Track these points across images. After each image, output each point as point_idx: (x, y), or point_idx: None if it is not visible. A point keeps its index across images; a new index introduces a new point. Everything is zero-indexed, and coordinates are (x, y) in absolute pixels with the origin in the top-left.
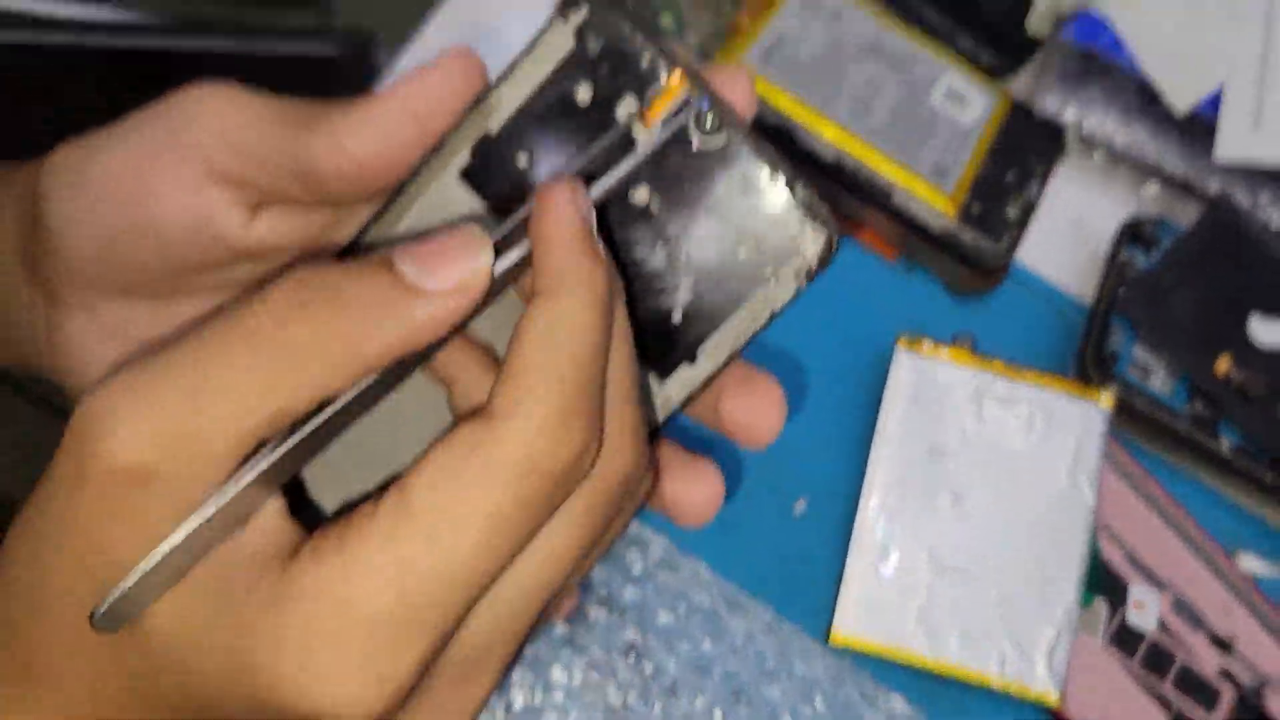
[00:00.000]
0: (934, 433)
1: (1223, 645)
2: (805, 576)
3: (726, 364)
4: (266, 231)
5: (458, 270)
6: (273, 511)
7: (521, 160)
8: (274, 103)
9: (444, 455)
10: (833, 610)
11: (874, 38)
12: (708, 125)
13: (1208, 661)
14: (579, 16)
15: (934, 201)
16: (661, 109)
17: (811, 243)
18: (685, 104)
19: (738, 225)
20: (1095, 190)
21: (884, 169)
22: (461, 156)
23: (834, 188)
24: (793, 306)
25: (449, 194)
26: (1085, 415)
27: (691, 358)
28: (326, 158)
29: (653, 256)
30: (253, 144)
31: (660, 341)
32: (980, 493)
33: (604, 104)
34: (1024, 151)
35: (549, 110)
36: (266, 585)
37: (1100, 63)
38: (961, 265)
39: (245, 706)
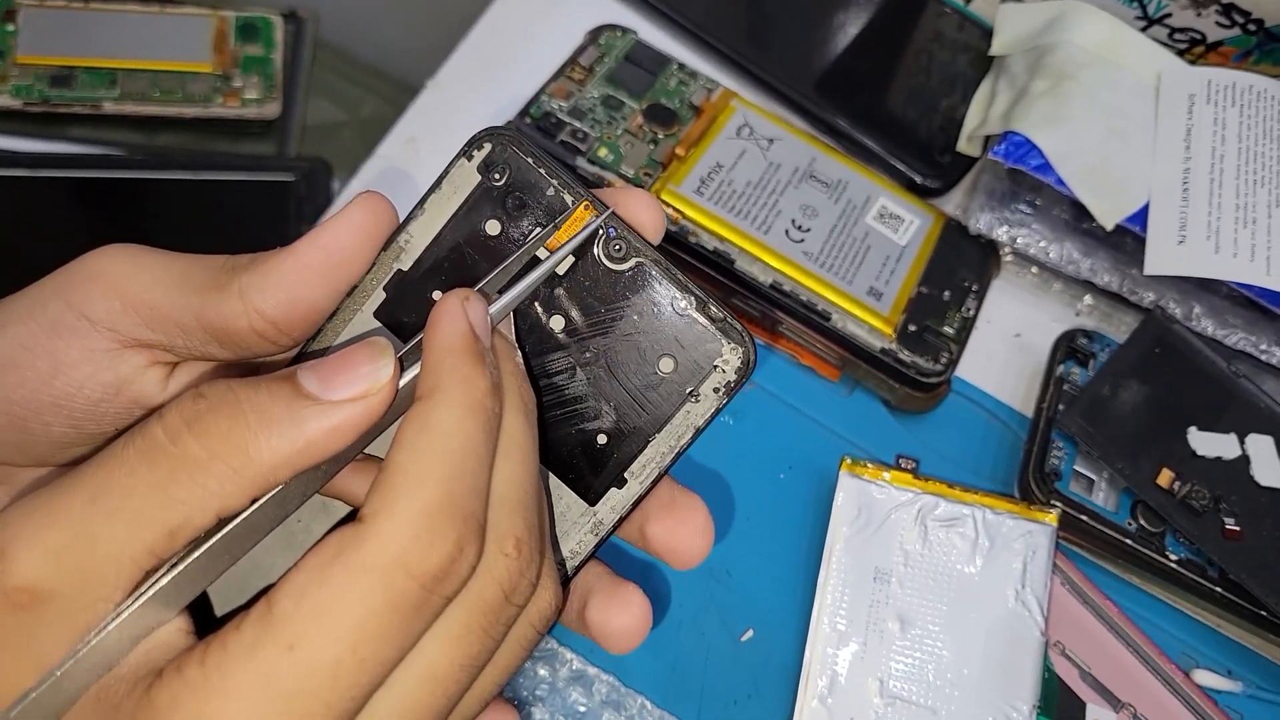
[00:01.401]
0: (879, 556)
1: None
2: (754, 711)
3: (654, 485)
4: (181, 385)
5: (359, 382)
6: (171, 630)
7: (435, 294)
8: (178, 263)
9: (312, 560)
10: None
11: (808, 163)
12: (615, 251)
13: None
14: (483, 153)
15: (871, 322)
16: (567, 237)
17: (729, 358)
18: (593, 232)
19: (655, 347)
20: (1033, 304)
21: (821, 292)
22: (376, 296)
23: (773, 311)
24: (715, 421)
25: (364, 334)
26: (1030, 535)
27: (620, 481)
28: (238, 318)
29: (574, 383)
30: (160, 307)
31: (588, 467)
32: (927, 616)
33: (513, 235)
34: (960, 269)
35: (459, 244)
36: (131, 705)
37: (1029, 181)
38: (901, 384)
39: None
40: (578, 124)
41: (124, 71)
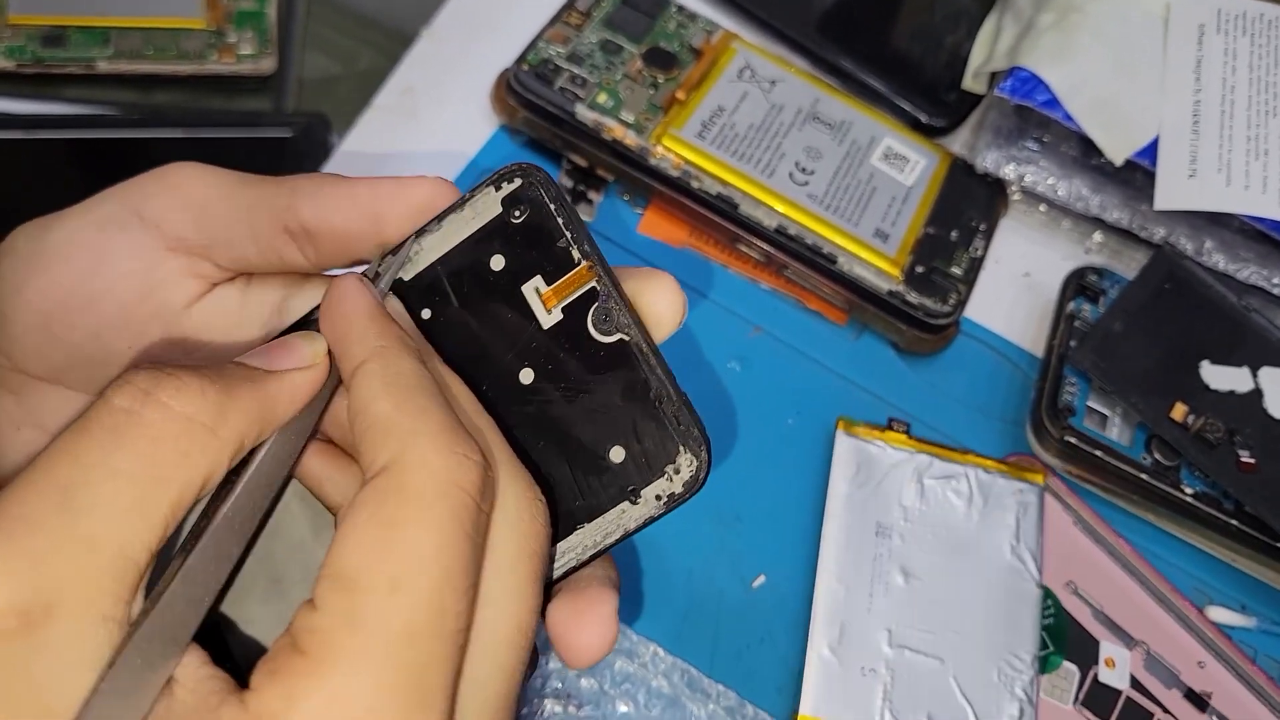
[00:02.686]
0: (880, 511)
1: (1199, 701)
2: (767, 656)
3: (564, 577)
4: (208, 316)
5: (301, 357)
6: (195, 664)
7: (424, 312)
8: (248, 175)
9: (361, 516)
10: (797, 690)
11: (811, 104)
12: (601, 320)
13: (1184, 719)
14: (511, 187)
15: (878, 264)
16: (565, 294)
17: (681, 469)
18: (589, 295)
19: (612, 432)
20: (1041, 243)
21: (827, 234)
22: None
23: (778, 255)
24: (647, 528)
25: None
26: (1021, 493)
27: None
28: (280, 211)
29: (526, 440)
30: (213, 203)
31: None
32: (930, 569)
33: (513, 276)
34: (967, 209)
35: (461, 270)
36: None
37: (1036, 117)
38: (909, 326)
39: None
40: (576, 70)
41: (117, 30)
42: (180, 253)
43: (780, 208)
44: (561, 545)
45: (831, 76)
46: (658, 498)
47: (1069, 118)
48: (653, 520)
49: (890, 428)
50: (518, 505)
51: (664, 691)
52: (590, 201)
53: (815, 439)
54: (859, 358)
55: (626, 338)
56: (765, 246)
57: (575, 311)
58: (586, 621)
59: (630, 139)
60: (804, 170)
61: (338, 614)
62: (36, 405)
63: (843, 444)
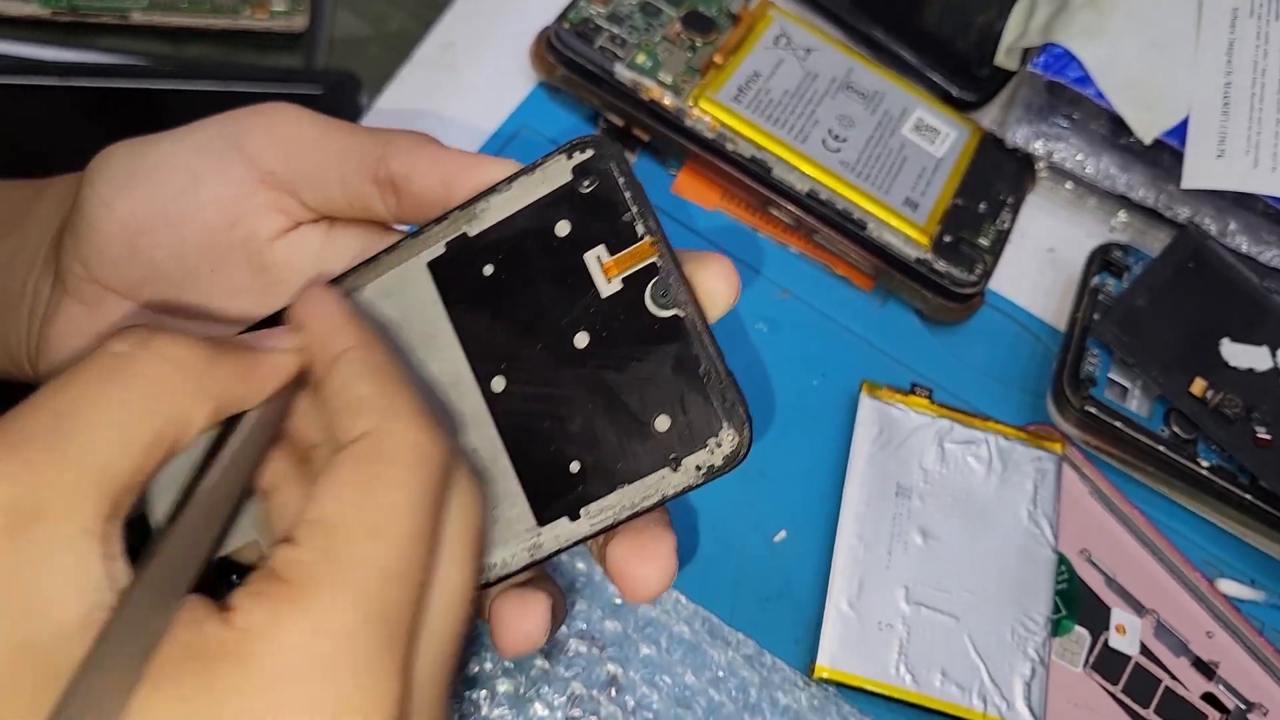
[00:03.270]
0: (900, 472)
1: (1206, 670)
2: (786, 608)
3: (603, 532)
4: (290, 253)
5: (284, 339)
6: (195, 603)
7: (486, 268)
8: (343, 121)
9: (343, 473)
10: (814, 642)
11: (845, 74)
12: (660, 295)
13: (1191, 686)
14: (582, 156)
15: (907, 232)
16: (626, 266)
17: (723, 443)
18: (649, 269)
19: (659, 401)
20: (1066, 219)
21: (858, 201)
22: (436, 249)
23: (809, 219)
24: (685, 495)
25: (412, 276)
26: (1039, 461)
27: (574, 514)
28: (371, 160)
29: (572, 402)
30: (309, 142)
31: (551, 486)
32: (948, 530)
33: (577, 243)
34: (995, 182)
35: (526, 231)
36: (205, 640)
37: (1068, 94)
38: (935, 294)
39: None
40: (615, 30)
41: None
42: (270, 187)
43: (812, 173)
44: (601, 502)
45: (865, 47)
46: (698, 468)
47: (1100, 95)
48: (691, 489)
49: (913, 392)
50: (466, 489)
51: (685, 637)
52: None
53: (839, 400)
54: (884, 324)
55: (682, 314)
56: (796, 210)
57: (634, 284)
58: (646, 556)
59: (668, 100)
60: (836, 137)
61: (321, 550)
62: (107, 318)
63: (866, 406)
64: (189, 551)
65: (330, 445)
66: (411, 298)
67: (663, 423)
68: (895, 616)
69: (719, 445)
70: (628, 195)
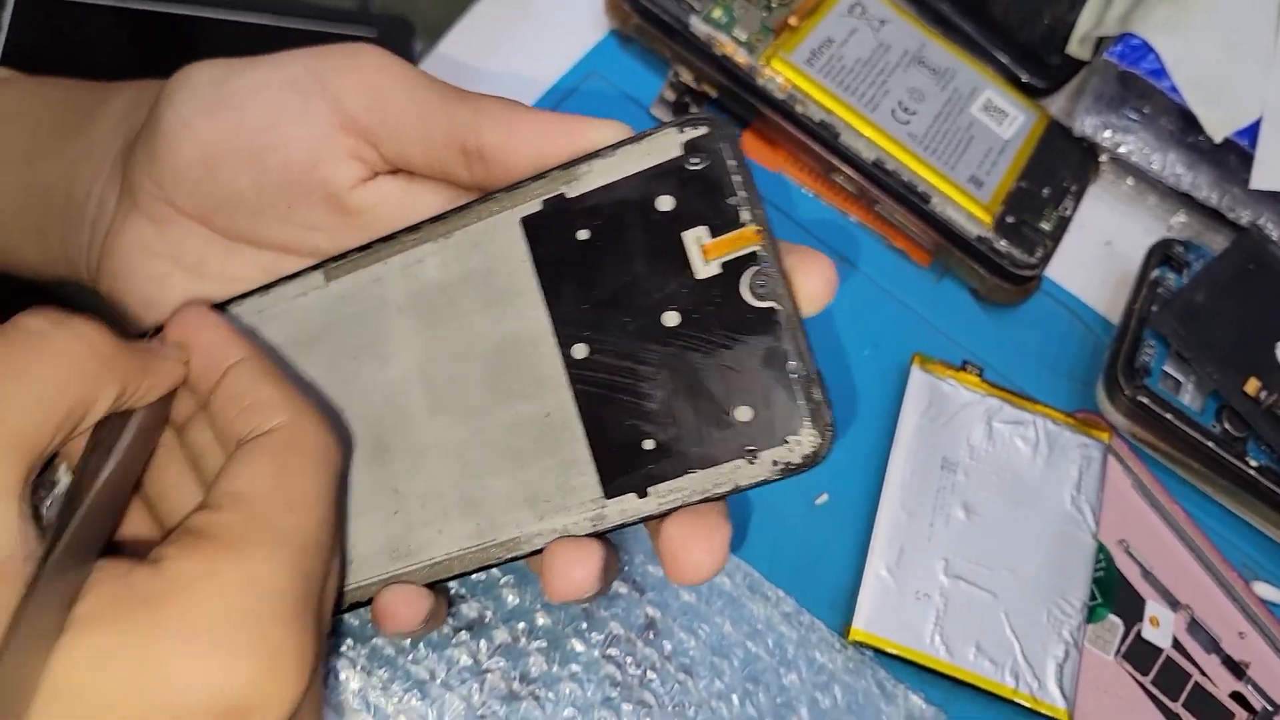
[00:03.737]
0: (947, 447)
1: (1236, 669)
2: (825, 570)
3: (668, 514)
4: (372, 200)
5: (174, 350)
6: (111, 561)
7: (581, 232)
8: (428, 75)
9: (256, 455)
10: (851, 606)
11: (918, 48)
12: (759, 285)
13: (1220, 684)
14: (695, 133)
15: (971, 209)
16: (726, 250)
17: (803, 443)
18: (750, 257)
19: (743, 391)
20: (1124, 214)
21: (923, 174)
22: (532, 205)
23: (872, 189)
24: (756, 489)
25: (503, 231)
26: (1086, 448)
27: (642, 492)
28: (461, 128)
29: (655, 380)
30: (396, 94)
31: (623, 460)
32: (991, 507)
33: (677, 220)
34: (1060, 169)
35: (626, 200)
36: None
37: (1140, 87)
38: (993, 274)
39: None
40: None
41: None
42: (351, 134)
43: (880, 142)
44: (671, 484)
45: (939, 26)
46: (774, 463)
47: (1174, 89)
48: (764, 483)
49: (964, 369)
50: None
51: (725, 589)
52: None
53: (888, 372)
54: (938, 300)
55: (778, 307)
56: (860, 179)
57: (732, 269)
58: (702, 542)
59: (741, 57)
60: (906, 110)
61: (244, 515)
62: (176, 240)
63: (917, 378)
64: (97, 523)
65: (225, 441)
66: (500, 251)
67: (744, 413)
68: (933, 587)
69: (799, 443)
70: (737, 179)
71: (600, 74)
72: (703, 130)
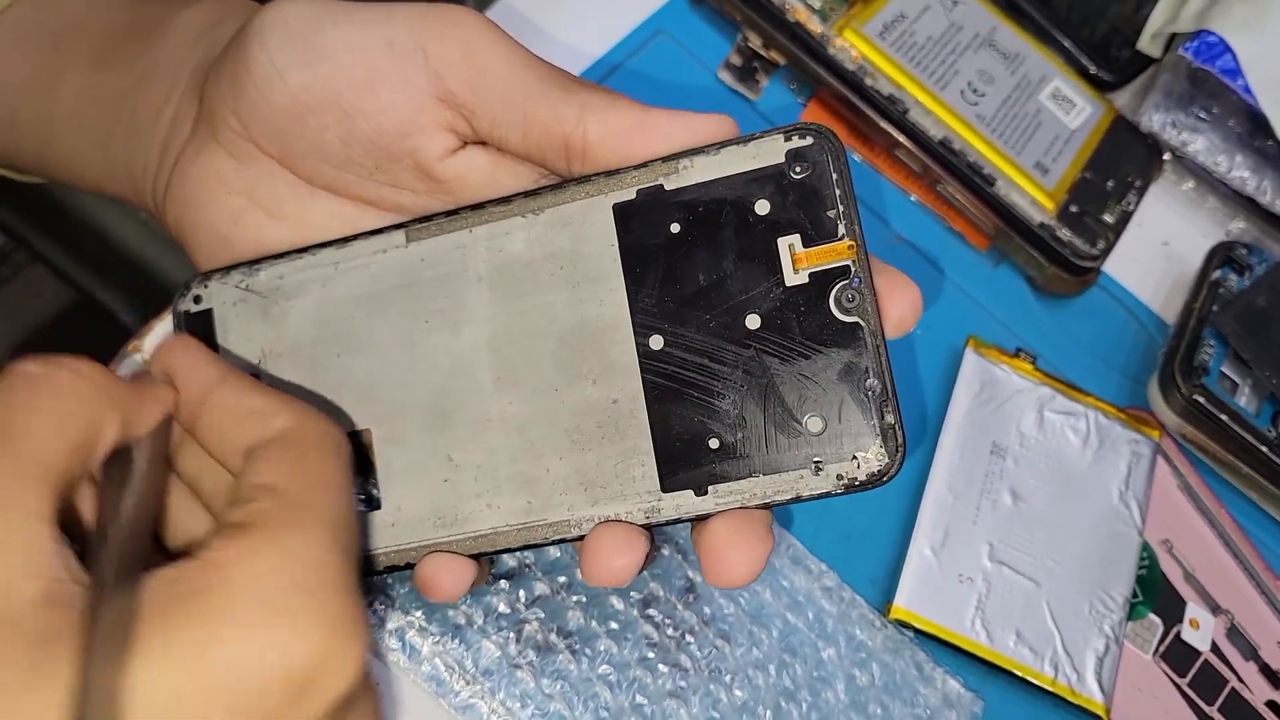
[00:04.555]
0: (997, 432)
1: (1274, 678)
2: (869, 547)
3: (725, 512)
4: (460, 170)
5: (160, 377)
6: (155, 571)
7: (673, 225)
8: (530, 54)
9: (278, 455)
10: (893, 585)
11: (989, 31)
12: (847, 300)
13: (1257, 691)
14: (801, 142)
15: (1035, 195)
16: (818, 261)
17: (870, 460)
18: (842, 270)
19: (815, 403)
20: (1184, 217)
21: (989, 156)
22: (626, 192)
23: (936, 169)
24: (816, 501)
25: (593, 215)
26: (1136, 444)
27: (701, 490)
28: (564, 122)
29: (727, 381)
30: (497, 74)
31: (685, 456)
32: (1038, 495)
33: (772, 226)
34: (1124, 163)
35: (723, 201)
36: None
37: (1211, 86)
38: (1053, 263)
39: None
40: None
41: None
42: (447, 106)
43: (948, 120)
44: (732, 485)
45: (1010, 11)
46: (839, 477)
47: (1247, 90)
48: (827, 496)
49: (1018, 356)
50: None
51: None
52: (757, 83)
53: (940, 353)
54: (994, 286)
55: (862, 324)
56: (925, 157)
57: (821, 280)
58: (746, 548)
59: (813, 25)
60: (975, 91)
61: (275, 502)
62: (255, 179)
63: (970, 361)
64: (132, 547)
65: (229, 455)
66: (588, 233)
67: (815, 424)
68: (976, 571)
69: (866, 461)
70: (838, 192)
71: (668, 33)
72: (809, 140)
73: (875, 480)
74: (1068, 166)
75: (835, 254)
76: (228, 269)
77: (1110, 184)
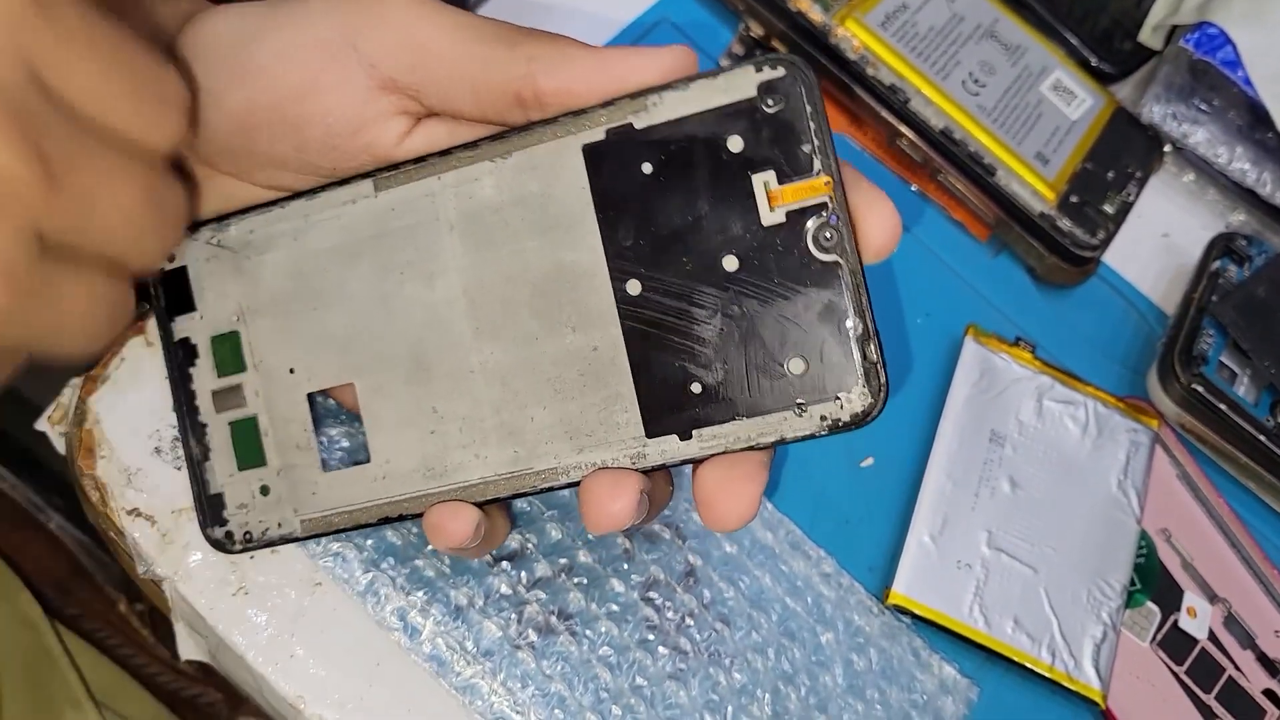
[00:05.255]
0: (996, 420)
1: (1271, 667)
2: (867, 533)
3: (710, 458)
4: (416, 146)
5: None
6: None
7: (645, 165)
8: (463, 15)
9: None
10: (891, 571)
11: (991, 22)
12: (825, 239)
13: (1254, 680)
14: (773, 74)
15: (1035, 185)
16: (795, 199)
17: (853, 401)
18: (819, 208)
19: (797, 344)
20: (1184, 209)
21: (990, 146)
22: (595, 132)
23: (937, 158)
24: (801, 443)
25: (563, 156)
26: (1135, 433)
27: (685, 435)
28: (515, 80)
29: (707, 324)
30: (436, 50)
31: (667, 402)
32: (1037, 483)
33: (747, 162)
34: (1125, 155)
35: (696, 137)
36: None
37: (1211, 78)
38: (1053, 253)
39: None
40: None
41: None
42: (392, 92)
43: (950, 110)
44: (716, 429)
45: (1012, 3)
46: (822, 418)
47: (1248, 81)
48: (810, 437)
49: (1017, 345)
50: None
51: (767, 543)
52: None
53: (940, 342)
54: (994, 275)
55: (842, 262)
56: (926, 147)
57: (798, 218)
58: (732, 491)
59: (815, 14)
60: (976, 82)
61: None
62: (223, 191)
63: (970, 350)
64: None
65: None
66: (558, 176)
67: (796, 365)
68: (975, 558)
69: (849, 401)
70: (813, 126)
71: (670, 21)
72: (780, 72)
73: (859, 420)
74: (1068, 157)
75: (812, 190)
76: (196, 225)
77: (1111, 175)
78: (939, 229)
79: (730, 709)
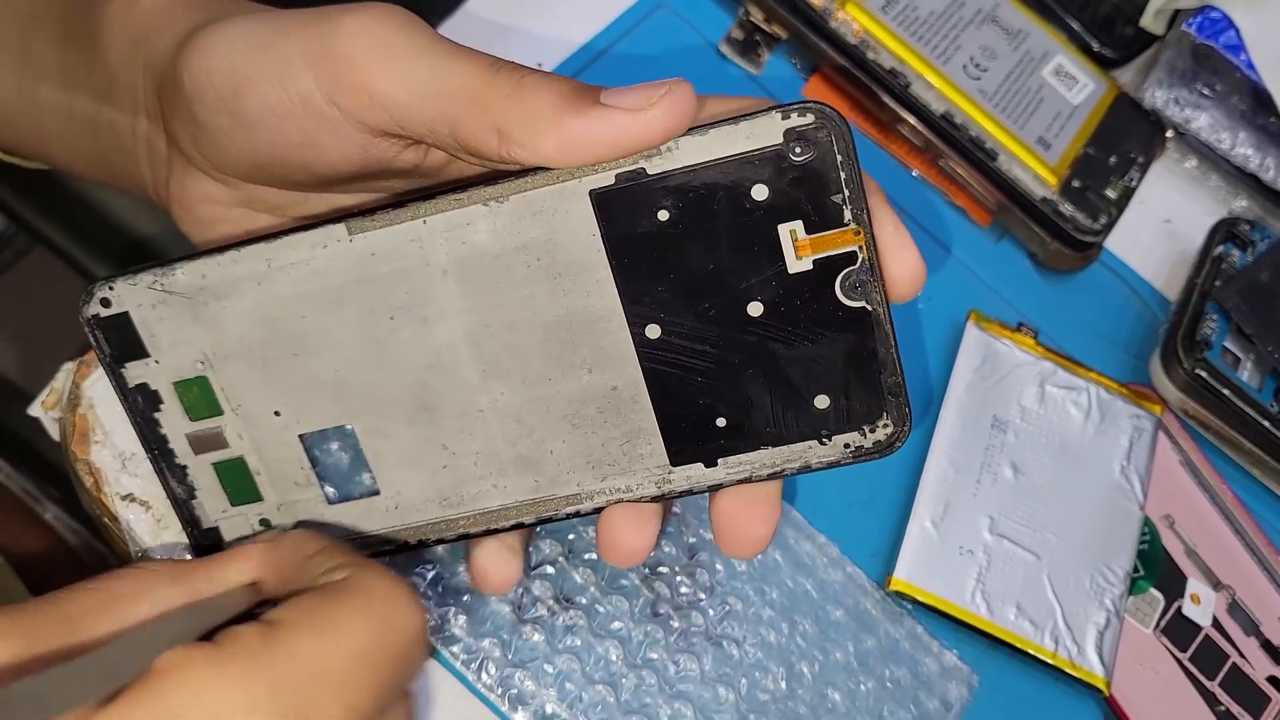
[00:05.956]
0: (998, 405)
1: (1275, 653)
2: (867, 518)
3: (736, 485)
4: (421, 160)
5: None
6: None
7: (660, 212)
8: (433, 55)
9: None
10: (893, 557)
11: (992, 6)
12: (853, 289)
13: (1258, 666)
14: (801, 121)
15: (1037, 169)
16: (823, 249)
17: (878, 431)
18: (848, 257)
19: (823, 381)
20: (1186, 194)
21: (992, 130)
22: (604, 176)
23: (938, 143)
24: (825, 471)
25: (567, 203)
26: (1138, 419)
27: (711, 463)
28: (491, 150)
29: (734, 360)
30: (411, 109)
31: (692, 432)
32: (1039, 469)
33: (772, 211)
34: (1127, 140)
35: (715, 186)
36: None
37: (1214, 62)
38: (1055, 239)
39: None
40: None
41: None
42: (389, 136)
43: (951, 95)
44: (741, 456)
45: None
46: (846, 446)
47: (1250, 66)
48: (835, 465)
49: (1019, 330)
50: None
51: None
52: (759, 57)
53: (941, 327)
54: (995, 261)
55: (870, 308)
56: (927, 132)
57: (826, 267)
58: (750, 518)
59: None
60: (978, 66)
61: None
62: (247, 193)
63: (971, 335)
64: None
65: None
66: (564, 222)
67: (822, 401)
68: (977, 544)
69: (873, 431)
70: (843, 176)
71: (669, 6)
72: (809, 119)
73: (884, 448)
74: (1070, 142)
75: (840, 241)
76: (136, 270)
77: (1113, 160)
78: (940, 214)
79: (744, 682)
